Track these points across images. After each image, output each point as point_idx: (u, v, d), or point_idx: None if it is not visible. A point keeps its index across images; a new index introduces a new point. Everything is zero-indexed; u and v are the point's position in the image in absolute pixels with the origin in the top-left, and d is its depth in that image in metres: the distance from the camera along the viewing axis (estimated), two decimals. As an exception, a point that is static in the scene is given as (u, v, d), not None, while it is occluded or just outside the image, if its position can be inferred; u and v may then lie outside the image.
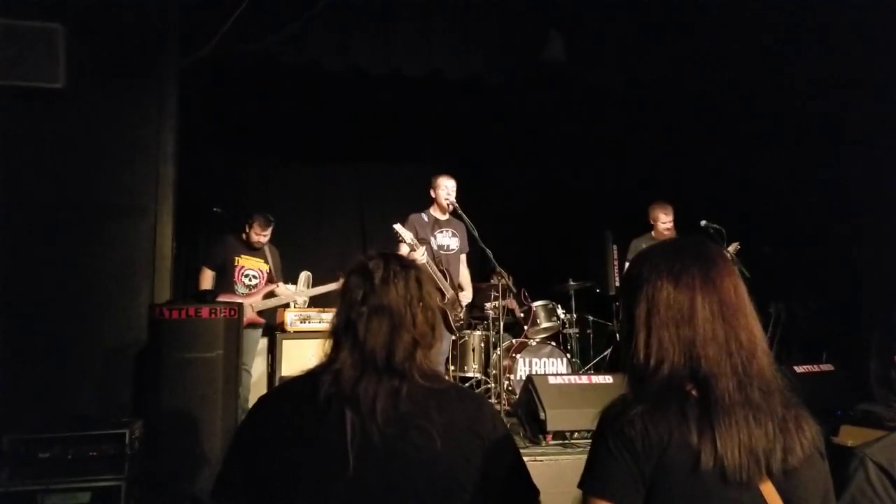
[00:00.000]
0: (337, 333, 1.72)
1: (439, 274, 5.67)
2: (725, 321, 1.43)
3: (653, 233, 6.66)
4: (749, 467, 1.31)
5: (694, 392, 1.40)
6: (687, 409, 1.37)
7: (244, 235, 6.14)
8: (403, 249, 5.41)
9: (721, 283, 1.47)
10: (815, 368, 5.72)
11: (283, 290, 6.40)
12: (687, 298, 1.46)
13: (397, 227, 5.55)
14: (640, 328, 1.48)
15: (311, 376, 1.69)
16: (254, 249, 6.16)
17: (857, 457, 1.95)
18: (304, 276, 7.36)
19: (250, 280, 6.13)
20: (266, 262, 6.23)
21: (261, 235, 6.09)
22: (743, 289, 1.49)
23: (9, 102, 4.75)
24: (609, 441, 1.39)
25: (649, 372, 1.44)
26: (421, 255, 5.44)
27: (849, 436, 4.50)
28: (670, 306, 1.47)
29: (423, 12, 6.34)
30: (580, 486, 1.44)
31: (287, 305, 6.54)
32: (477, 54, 6.51)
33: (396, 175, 9.10)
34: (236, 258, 6.10)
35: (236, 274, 6.08)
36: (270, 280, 6.26)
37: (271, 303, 6.22)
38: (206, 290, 6.08)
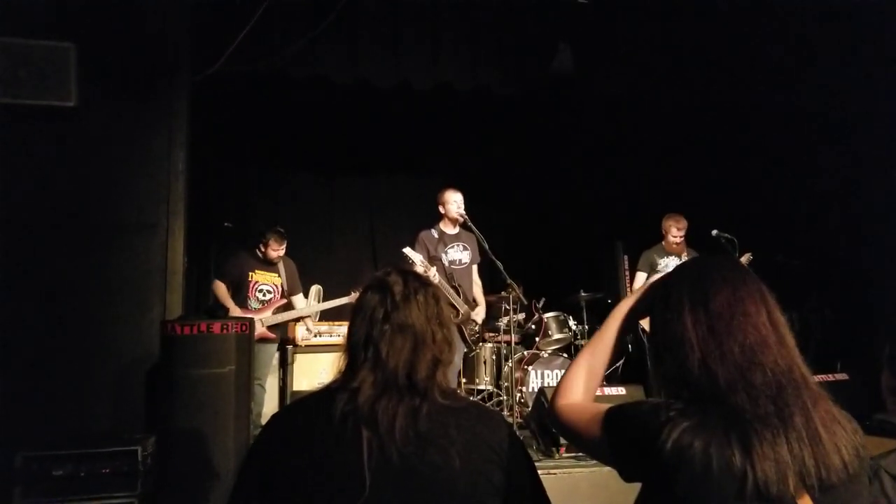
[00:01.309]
0: (355, 350, 1.69)
1: (452, 291, 5.66)
2: (715, 335, 1.40)
3: (663, 243, 6.64)
4: (778, 484, 1.27)
5: (714, 411, 1.36)
6: (721, 429, 1.33)
7: (259, 252, 6.14)
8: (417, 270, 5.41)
9: (713, 296, 1.44)
10: (830, 378, 5.67)
11: (295, 303, 6.41)
12: (677, 321, 1.45)
13: (407, 250, 5.56)
14: (651, 360, 1.50)
15: (327, 393, 1.67)
16: (268, 264, 6.17)
17: (871, 468, 1.93)
18: (315, 289, 7.36)
19: (264, 295, 6.14)
20: (279, 276, 6.24)
21: (278, 250, 6.11)
22: (747, 297, 1.44)
23: (22, 121, 4.79)
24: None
25: (675, 393, 1.44)
26: (433, 276, 5.44)
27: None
28: (665, 332, 1.47)
29: (431, 25, 6.36)
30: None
31: (298, 320, 6.54)
32: (485, 67, 6.51)
33: (406, 187, 9.12)
34: (250, 273, 6.12)
35: (250, 289, 6.09)
36: (284, 294, 6.26)
37: (282, 317, 6.22)
38: (216, 305, 6.11)
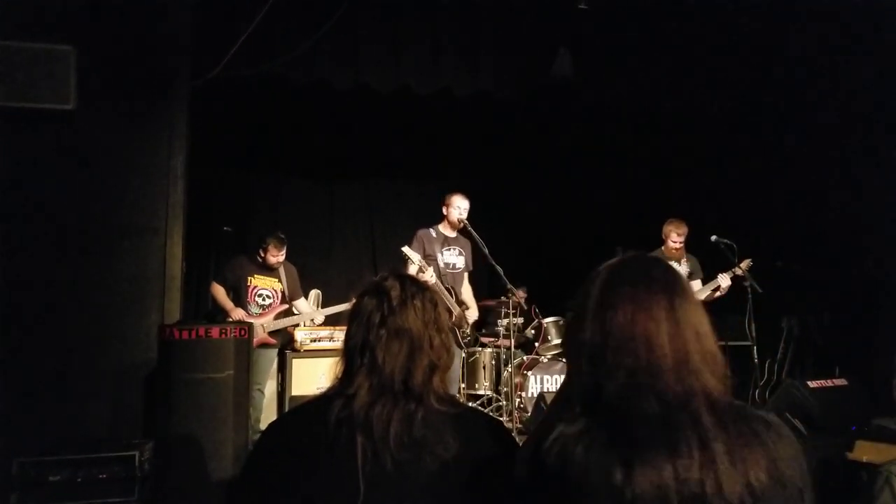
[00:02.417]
0: (351, 356, 1.68)
1: (445, 292, 5.66)
2: (607, 354, 1.33)
3: (663, 249, 6.63)
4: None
5: (602, 424, 1.32)
6: (604, 440, 1.29)
7: (259, 257, 6.13)
8: (412, 270, 5.42)
9: (613, 310, 1.36)
10: (829, 383, 5.67)
11: (297, 308, 6.39)
12: (579, 328, 1.40)
13: (405, 249, 5.55)
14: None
15: (324, 400, 1.66)
16: (268, 269, 6.15)
17: (881, 475, 1.92)
18: (314, 294, 7.35)
19: (263, 300, 6.12)
20: (280, 281, 6.21)
21: (277, 256, 6.08)
22: (646, 314, 1.34)
23: (20, 124, 4.78)
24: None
25: (572, 401, 1.40)
26: (430, 276, 5.45)
27: (864, 451, 4.45)
28: (572, 335, 1.43)
29: (431, 30, 6.36)
30: None
31: (297, 324, 6.52)
32: (485, 71, 6.51)
33: (406, 192, 9.14)
34: (249, 278, 6.09)
35: (249, 294, 6.07)
36: (284, 300, 6.24)
37: (282, 322, 6.20)
38: (215, 310, 6.09)
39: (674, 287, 1.39)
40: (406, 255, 5.50)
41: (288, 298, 6.27)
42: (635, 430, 1.27)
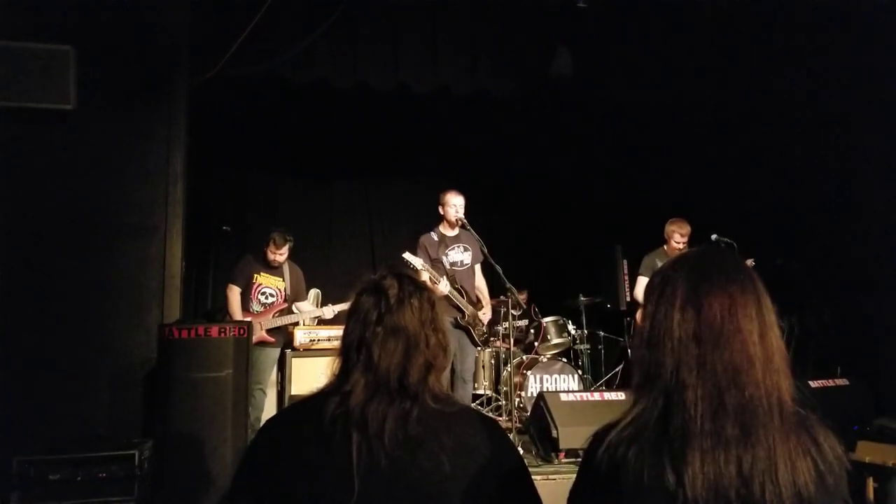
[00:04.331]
0: (348, 353, 1.68)
1: (455, 293, 5.65)
2: (699, 345, 1.32)
3: (665, 248, 6.61)
4: None
5: (662, 423, 1.31)
6: (661, 439, 1.29)
7: (263, 254, 6.12)
8: (424, 278, 5.41)
9: (708, 301, 1.34)
10: (831, 383, 5.67)
11: (298, 310, 6.38)
12: (664, 315, 1.37)
13: (406, 255, 5.55)
14: (634, 347, 1.46)
15: (320, 397, 1.66)
16: (272, 267, 6.15)
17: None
18: (314, 293, 7.34)
19: (266, 298, 6.11)
20: (283, 280, 6.21)
21: (276, 254, 6.06)
22: (742, 310, 1.34)
23: (20, 123, 4.78)
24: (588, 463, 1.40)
25: (640, 395, 1.39)
26: (444, 287, 5.46)
27: (866, 452, 4.44)
28: (652, 323, 1.40)
29: (430, 29, 6.36)
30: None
31: (297, 323, 6.52)
32: (484, 70, 6.51)
33: (405, 191, 9.13)
34: (255, 276, 6.10)
35: (253, 291, 6.07)
36: (286, 299, 6.23)
37: (281, 321, 6.19)
38: (215, 309, 6.07)
39: (760, 287, 1.40)
40: (407, 261, 5.49)
41: (290, 299, 6.26)
42: (710, 428, 1.27)
